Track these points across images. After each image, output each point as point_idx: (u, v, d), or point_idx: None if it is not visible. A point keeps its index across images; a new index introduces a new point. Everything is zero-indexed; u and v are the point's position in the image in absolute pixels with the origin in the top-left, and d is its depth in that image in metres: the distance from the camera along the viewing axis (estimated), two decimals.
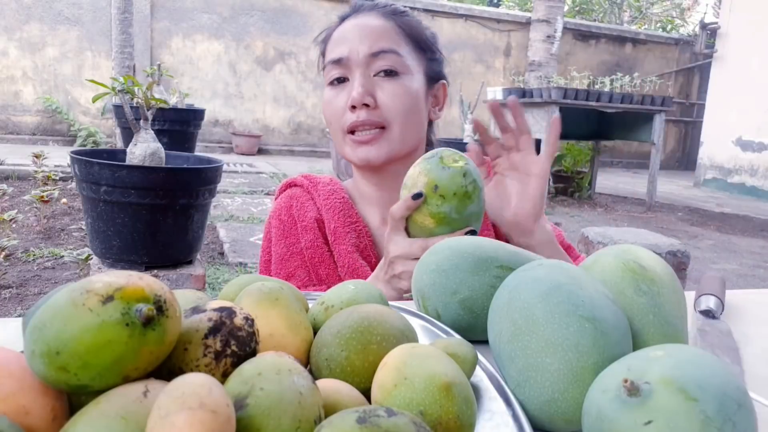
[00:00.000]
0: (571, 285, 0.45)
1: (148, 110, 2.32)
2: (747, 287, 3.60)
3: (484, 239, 0.61)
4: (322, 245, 0.93)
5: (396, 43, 0.90)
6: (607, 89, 5.86)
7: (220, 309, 0.37)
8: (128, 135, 3.21)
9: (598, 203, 6.28)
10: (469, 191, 0.68)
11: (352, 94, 0.87)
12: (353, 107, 0.87)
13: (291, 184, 1.01)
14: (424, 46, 0.94)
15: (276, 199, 1.02)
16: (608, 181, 8.14)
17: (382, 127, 0.89)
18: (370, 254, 0.92)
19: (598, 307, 0.44)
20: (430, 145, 1.01)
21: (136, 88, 2.28)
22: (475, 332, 0.56)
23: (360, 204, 0.98)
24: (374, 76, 0.89)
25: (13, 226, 3.26)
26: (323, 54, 0.95)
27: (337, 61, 0.89)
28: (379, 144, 0.89)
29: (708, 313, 0.71)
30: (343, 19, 0.95)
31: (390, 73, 0.89)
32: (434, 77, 0.97)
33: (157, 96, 2.44)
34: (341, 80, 0.90)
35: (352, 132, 0.89)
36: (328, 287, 0.91)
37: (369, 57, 0.88)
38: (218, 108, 8.03)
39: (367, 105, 0.87)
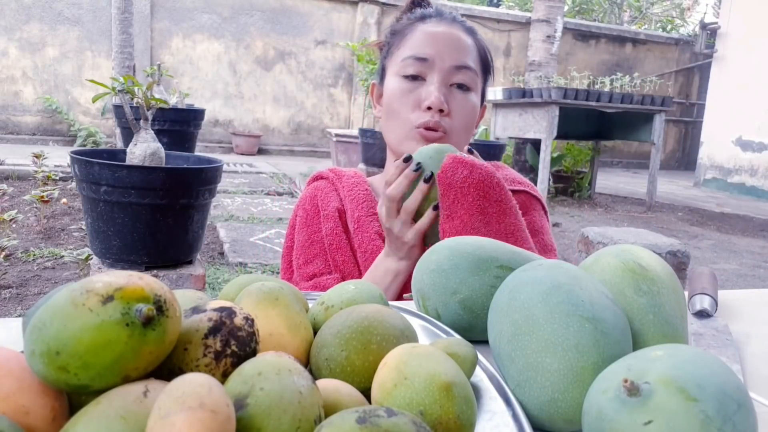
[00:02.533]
0: (571, 285, 0.45)
1: (148, 110, 2.32)
2: (747, 287, 3.60)
3: (485, 239, 0.61)
4: (341, 233, 0.99)
5: (474, 62, 0.97)
6: (607, 89, 5.86)
7: (220, 309, 0.37)
8: (128, 135, 3.21)
9: (598, 203, 6.28)
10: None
11: (432, 99, 0.92)
12: (429, 108, 0.93)
13: (318, 177, 1.08)
14: (487, 69, 1.03)
15: (304, 189, 1.09)
16: (608, 181, 8.14)
17: (444, 133, 0.94)
18: None
19: (598, 307, 0.44)
20: None
21: (136, 88, 2.28)
22: (475, 332, 0.56)
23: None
24: (450, 85, 0.95)
25: (13, 226, 3.26)
26: (392, 44, 1.00)
27: (422, 59, 0.94)
28: None
29: (702, 314, 0.71)
30: (423, 18, 1.00)
31: (463, 87, 0.96)
32: (483, 98, 1.04)
33: (157, 96, 2.44)
34: (416, 77, 0.95)
35: (420, 128, 0.95)
36: (343, 274, 0.95)
37: (453, 68, 0.94)
38: (218, 108, 8.03)
39: (441, 111, 0.93)
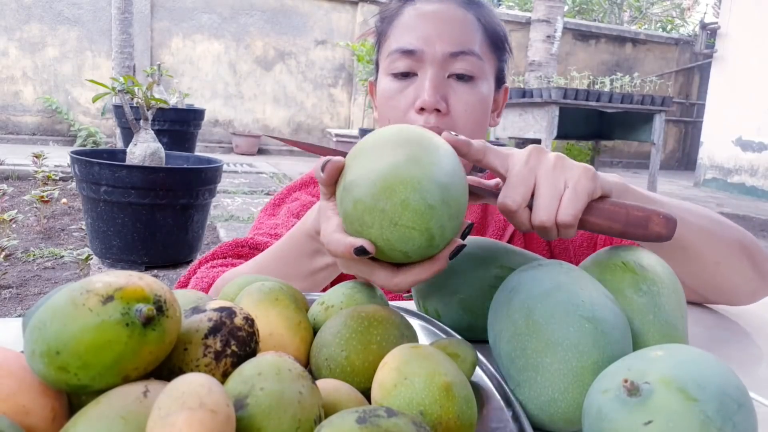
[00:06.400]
0: (571, 285, 0.45)
1: (148, 110, 2.32)
2: None
3: (485, 239, 0.61)
4: None
5: (476, 41, 0.81)
6: (607, 89, 5.86)
7: (220, 309, 0.37)
8: (128, 135, 3.21)
9: None
10: None
11: (424, 97, 0.77)
12: (422, 109, 0.78)
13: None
14: (500, 45, 0.86)
15: (307, 184, 0.93)
16: None
17: None
18: None
19: (598, 307, 0.44)
20: None
21: (136, 88, 2.28)
22: (475, 332, 0.56)
23: None
24: (447, 76, 0.80)
25: (13, 226, 3.26)
26: (382, 33, 0.85)
27: (409, 53, 0.79)
28: None
29: None
30: None
31: (465, 77, 0.79)
32: (501, 79, 0.88)
33: (157, 96, 2.44)
34: (407, 74, 0.80)
35: None
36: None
37: (448, 56, 0.78)
38: (218, 108, 8.03)
39: (438, 110, 0.78)
